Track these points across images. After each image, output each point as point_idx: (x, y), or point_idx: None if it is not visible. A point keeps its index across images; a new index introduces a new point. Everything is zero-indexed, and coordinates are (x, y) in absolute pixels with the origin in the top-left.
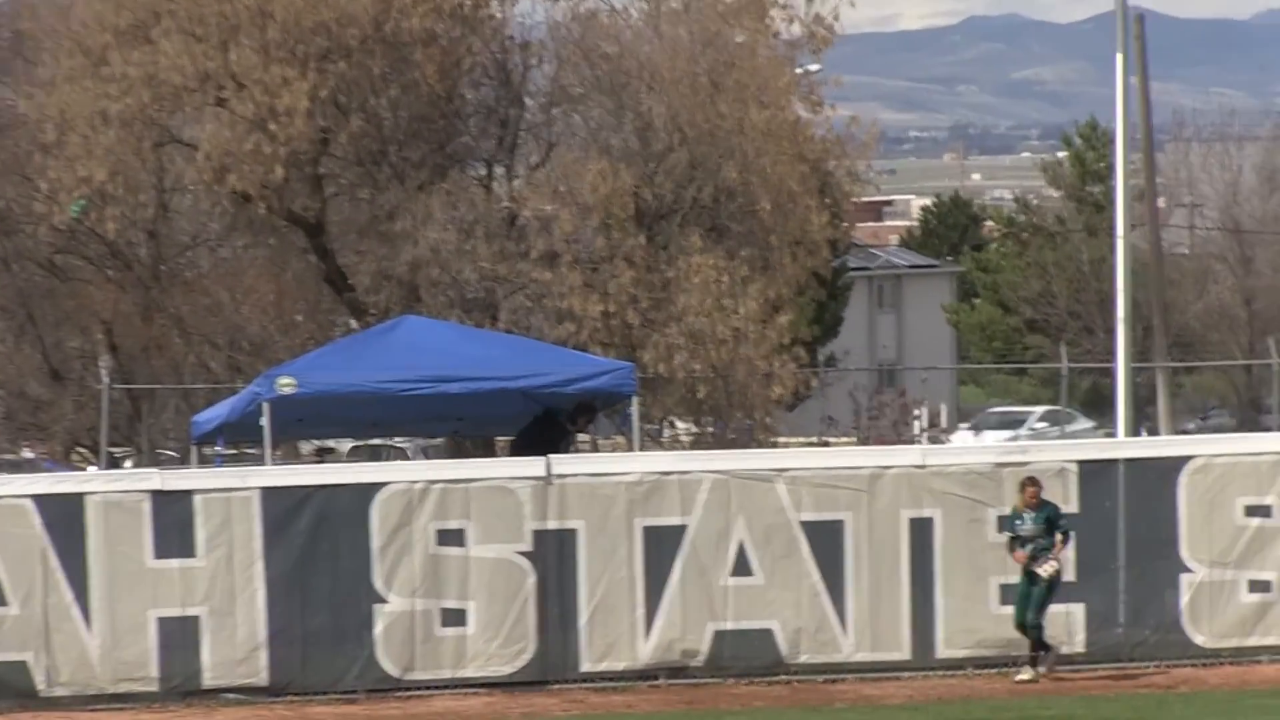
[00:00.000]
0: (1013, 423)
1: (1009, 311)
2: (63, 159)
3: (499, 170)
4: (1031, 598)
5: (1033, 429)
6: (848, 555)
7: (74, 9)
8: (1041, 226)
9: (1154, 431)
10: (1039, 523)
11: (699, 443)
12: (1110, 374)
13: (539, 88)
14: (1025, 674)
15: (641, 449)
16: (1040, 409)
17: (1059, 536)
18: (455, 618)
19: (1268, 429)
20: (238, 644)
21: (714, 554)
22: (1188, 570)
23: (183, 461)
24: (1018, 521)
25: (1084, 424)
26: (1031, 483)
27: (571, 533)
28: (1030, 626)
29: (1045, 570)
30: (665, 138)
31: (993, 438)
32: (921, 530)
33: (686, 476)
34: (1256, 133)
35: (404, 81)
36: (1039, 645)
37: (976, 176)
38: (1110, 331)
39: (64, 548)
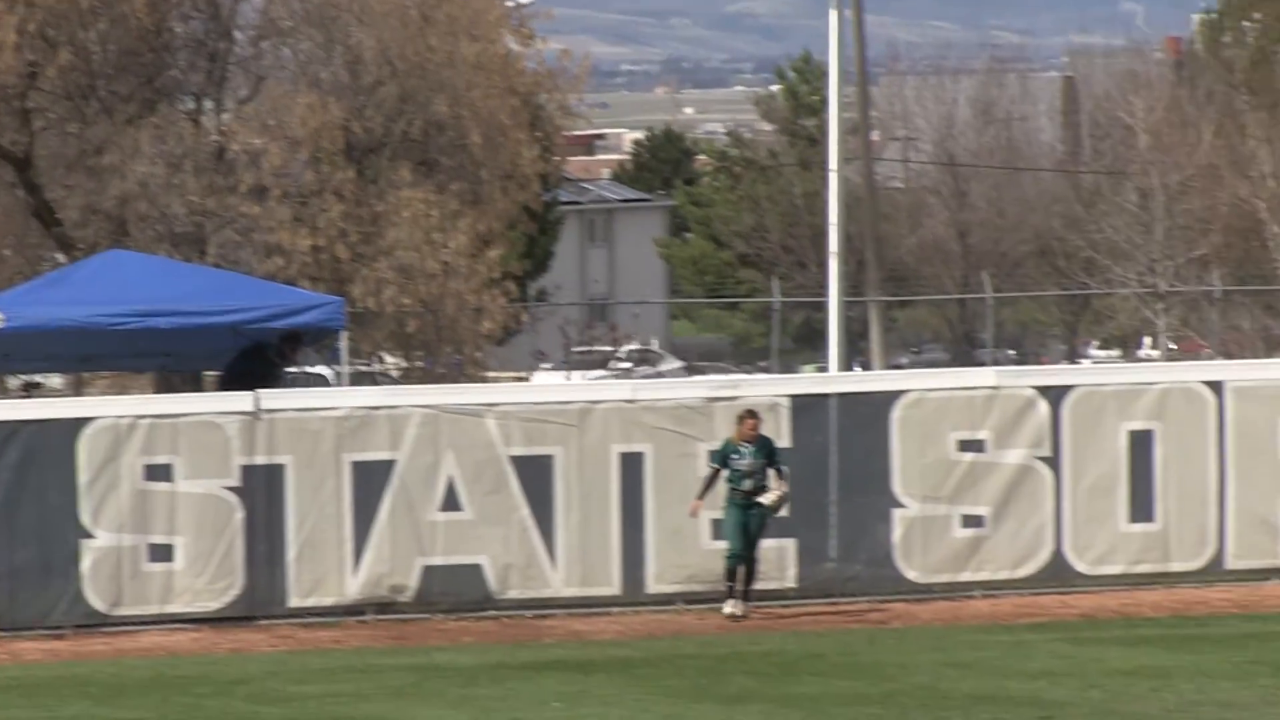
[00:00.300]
0: (598, 362)
1: (721, 246)
2: None
3: (208, 104)
4: (750, 530)
5: (618, 368)
6: (557, 490)
7: None
8: (754, 160)
9: (867, 366)
10: (757, 457)
11: (408, 377)
12: (823, 308)
13: (248, 21)
14: (738, 608)
15: (350, 384)
16: (627, 348)
17: (774, 473)
18: (163, 553)
19: (981, 363)
20: None
21: (423, 489)
22: (900, 505)
23: None
24: (734, 455)
25: (673, 364)
26: (750, 415)
27: (279, 468)
28: (745, 559)
29: (769, 498)
30: (375, 71)
31: (579, 377)
32: (632, 465)
33: (395, 411)
34: (971, 65)
35: (113, 15)
36: (750, 578)
37: (689, 110)
38: (823, 266)
39: None
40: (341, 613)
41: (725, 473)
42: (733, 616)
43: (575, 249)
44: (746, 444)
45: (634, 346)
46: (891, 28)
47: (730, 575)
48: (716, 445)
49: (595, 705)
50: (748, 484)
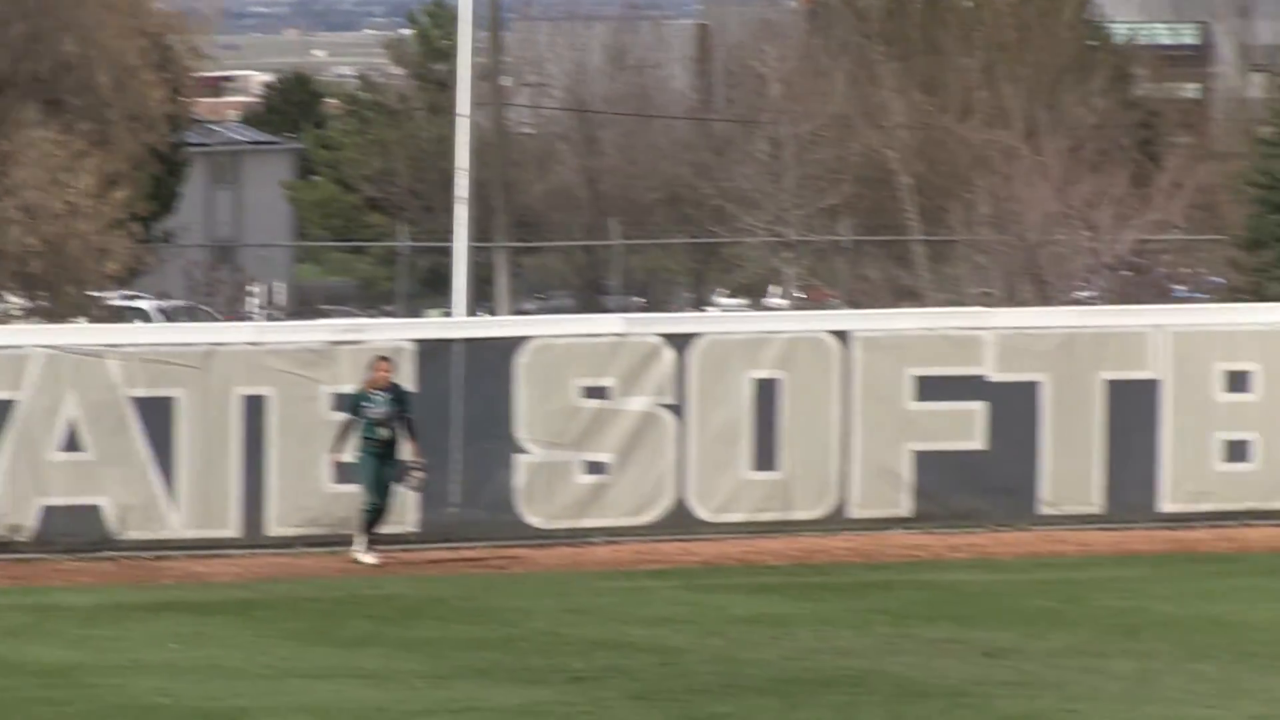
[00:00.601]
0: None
1: (350, 189)
2: None
3: None
4: (382, 479)
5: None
6: (179, 432)
7: None
8: (384, 104)
9: (493, 312)
10: (390, 405)
11: (31, 317)
12: (450, 253)
13: None
14: (372, 557)
15: None
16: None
17: (406, 425)
18: None
19: (608, 310)
20: None
21: (43, 429)
22: (523, 451)
23: None
24: (366, 403)
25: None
26: (384, 360)
27: None
28: (382, 509)
29: (414, 482)
30: (3, 10)
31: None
32: (255, 408)
33: (16, 351)
34: (604, 12)
35: None
36: (376, 524)
37: (320, 53)
38: (451, 211)
39: None
40: None
41: (359, 421)
42: (374, 566)
43: (202, 191)
44: (379, 391)
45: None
46: None
47: (367, 527)
48: (340, 389)
49: (213, 647)
50: (383, 433)
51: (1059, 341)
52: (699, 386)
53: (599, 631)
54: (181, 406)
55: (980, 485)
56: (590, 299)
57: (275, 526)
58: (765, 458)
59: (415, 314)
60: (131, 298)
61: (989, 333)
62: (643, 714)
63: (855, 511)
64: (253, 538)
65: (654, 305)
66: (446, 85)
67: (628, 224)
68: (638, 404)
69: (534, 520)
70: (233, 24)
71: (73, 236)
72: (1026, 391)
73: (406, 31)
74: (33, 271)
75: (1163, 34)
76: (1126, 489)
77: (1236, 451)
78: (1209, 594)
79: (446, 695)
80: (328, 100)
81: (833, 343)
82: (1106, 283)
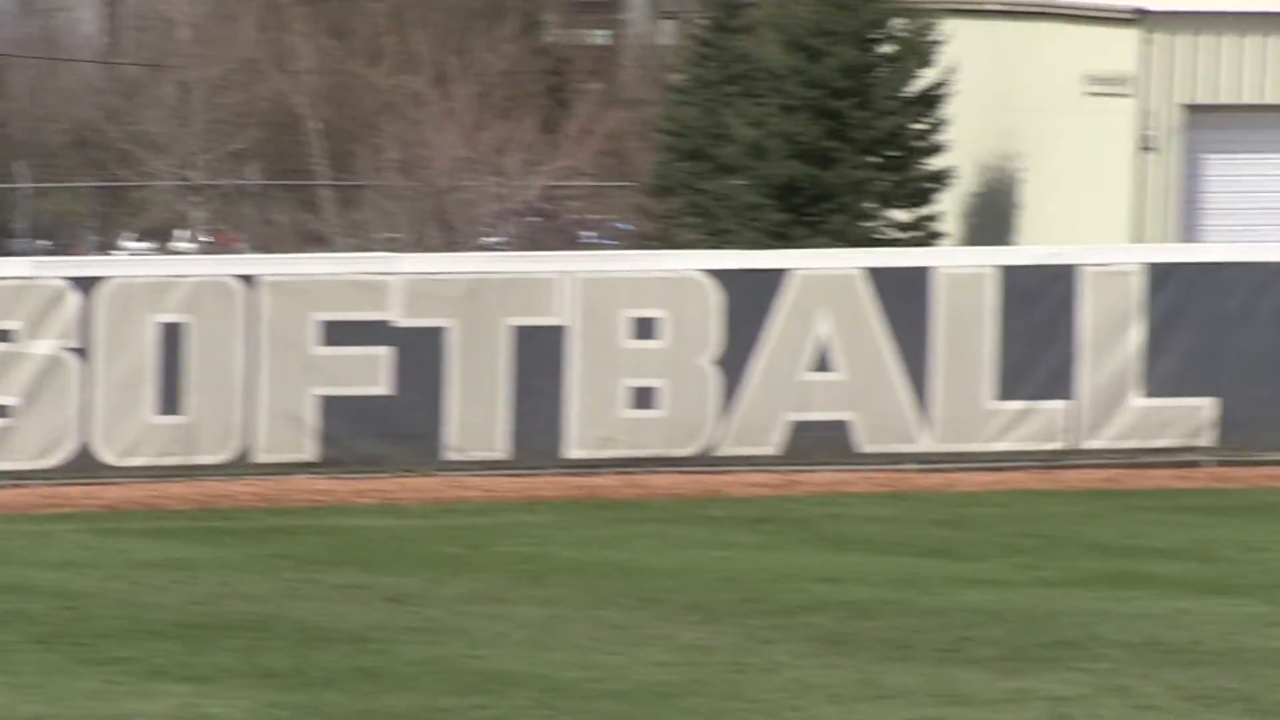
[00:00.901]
0: None
1: None
2: None
3: None
4: None
5: None
6: None
7: None
8: None
9: None
10: None
11: None
12: None
13: None
14: None
15: None
16: None
17: None
18: None
19: (14, 254)
20: None
21: None
22: None
23: None
24: None
25: None
26: None
27: None
28: None
29: None
30: None
31: None
32: None
33: None
34: None
35: None
36: None
37: None
38: None
39: None
40: None
41: None
42: None
43: None
44: None
45: None
46: None
47: None
48: None
49: None
50: None
51: (466, 287)
52: (105, 330)
53: (1, 575)
54: None
55: (386, 430)
56: None
57: None
58: (170, 402)
59: None
60: None
61: (396, 278)
62: (45, 658)
63: (260, 456)
64: None
65: (61, 248)
66: None
67: (36, 167)
68: (43, 347)
69: None
70: None
71: None
72: (433, 337)
73: None
74: None
75: None
76: (533, 435)
77: (643, 398)
78: (614, 541)
79: None
80: None
81: (239, 287)
82: (515, 229)
